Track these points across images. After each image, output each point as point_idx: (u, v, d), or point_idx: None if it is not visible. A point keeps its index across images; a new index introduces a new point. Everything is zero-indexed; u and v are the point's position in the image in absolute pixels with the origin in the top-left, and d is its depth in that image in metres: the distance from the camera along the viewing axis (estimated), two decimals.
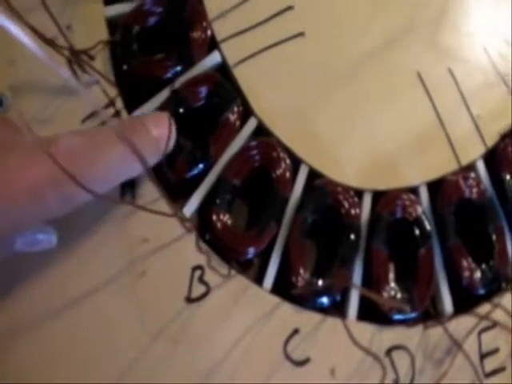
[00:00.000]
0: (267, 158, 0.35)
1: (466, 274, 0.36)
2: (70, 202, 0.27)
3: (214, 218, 0.34)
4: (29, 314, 0.32)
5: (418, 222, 0.37)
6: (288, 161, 0.35)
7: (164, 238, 0.34)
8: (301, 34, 0.38)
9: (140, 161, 0.25)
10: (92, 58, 0.36)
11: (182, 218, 0.33)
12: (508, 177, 0.39)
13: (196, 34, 0.36)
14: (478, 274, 0.36)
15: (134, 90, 0.35)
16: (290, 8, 0.39)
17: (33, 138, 0.27)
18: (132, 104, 0.35)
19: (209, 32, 0.37)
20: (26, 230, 0.28)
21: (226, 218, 0.34)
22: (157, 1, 0.36)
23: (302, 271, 0.34)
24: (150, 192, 0.34)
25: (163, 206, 0.34)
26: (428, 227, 0.37)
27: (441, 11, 0.40)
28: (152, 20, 0.36)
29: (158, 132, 0.30)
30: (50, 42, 0.30)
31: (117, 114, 0.34)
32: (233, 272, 0.34)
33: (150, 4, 0.36)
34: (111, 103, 0.34)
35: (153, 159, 0.31)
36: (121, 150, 0.27)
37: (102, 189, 0.28)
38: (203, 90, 0.35)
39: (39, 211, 0.26)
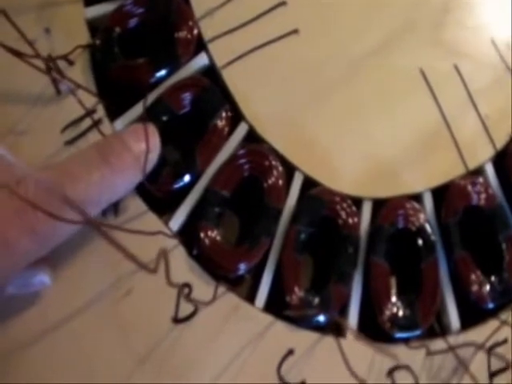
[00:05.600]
0: (258, 167, 0.33)
1: (475, 287, 0.34)
2: (47, 240, 0.26)
3: (202, 234, 0.32)
4: (8, 339, 0.30)
5: (421, 232, 0.34)
6: (281, 169, 0.33)
7: (149, 254, 0.31)
8: (294, 32, 0.36)
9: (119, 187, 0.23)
10: (72, 63, 0.34)
11: (166, 235, 0.31)
12: None
13: (182, 35, 0.34)
14: (486, 288, 0.34)
15: (116, 96, 0.33)
16: (282, 4, 0.36)
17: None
18: (115, 111, 0.33)
19: (195, 32, 0.35)
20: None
21: (215, 234, 0.32)
22: (138, 1, 0.34)
23: (296, 289, 0.32)
24: (134, 206, 0.32)
25: (148, 220, 0.32)
26: (432, 238, 0.34)
27: (444, 6, 0.38)
28: (133, 21, 0.34)
29: (140, 147, 0.29)
30: (19, 54, 0.28)
31: (96, 123, 0.32)
32: (222, 290, 0.32)
33: (130, 5, 0.34)
34: (88, 114, 0.31)
35: (136, 176, 0.29)
36: (97, 177, 0.25)
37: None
38: (188, 96, 0.33)
39: (14, 260, 0.25)
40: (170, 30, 0.34)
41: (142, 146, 0.29)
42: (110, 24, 0.33)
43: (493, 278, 0.34)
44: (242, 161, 0.33)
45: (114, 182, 0.28)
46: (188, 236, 0.32)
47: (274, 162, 0.33)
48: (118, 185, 0.28)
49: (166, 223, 0.32)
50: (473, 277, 0.34)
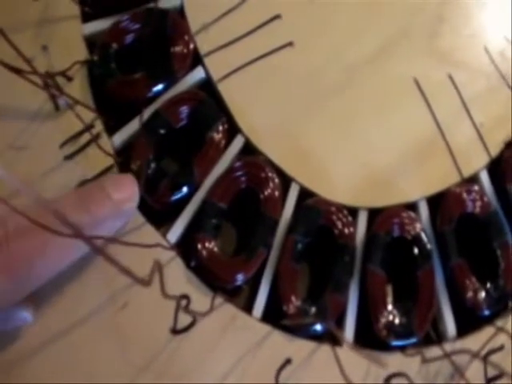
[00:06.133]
0: (254, 179, 0.33)
1: (470, 294, 0.34)
2: (23, 280, 0.26)
3: (200, 246, 0.32)
4: (9, 351, 0.30)
5: (417, 240, 0.34)
6: (277, 180, 0.34)
7: (148, 266, 0.32)
8: (289, 44, 0.36)
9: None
10: (70, 79, 0.34)
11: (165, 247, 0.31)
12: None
13: (178, 49, 0.35)
14: (482, 294, 0.34)
15: (114, 111, 0.34)
16: (277, 17, 0.37)
17: None
18: (113, 126, 0.34)
19: (191, 46, 0.35)
20: None
21: (212, 245, 0.32)
22: (135, 16, 0.35)
23: (293, 299, 0.32)
24: (132, 218, 0.32)
25: (146, 232, 0.33)
26: (428, 246, 0.35)
27: (438, 15, 0.38)
28: (130, 37, 0.34)
29: (120, 195, 0.29)
30: (17, 71, 0.29)
31: (95, 138, 0.33)
32: (220, 300, 0.32)
33: (127, 20, 0.34)
34: (87, 129, 0.32)
35: (115, 224, 0.30)
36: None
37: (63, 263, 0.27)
38: (185, 110, 0.33)
39: None
40: (166, 44, 0.35)
41: (121, 195, 0.29)
42: (107, 40, 0.34)
43: (488, 285, 0.35)
44: (239, 173, 0.33)
45: (92, 230, 0.27)
46: (186, 248, 0.33)
47: (270, 174, 0.33)
48: (97, 232, 0.28)
49: (164, 235, 0.33)
50: (468, 284, 0.34)
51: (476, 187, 0.36)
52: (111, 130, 0.34)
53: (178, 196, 0.33)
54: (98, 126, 0.33)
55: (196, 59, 0.35)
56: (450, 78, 0.38)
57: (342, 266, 0.33)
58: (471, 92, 0.38)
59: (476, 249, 0.35)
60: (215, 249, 0.32)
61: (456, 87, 0.38)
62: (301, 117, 0.36)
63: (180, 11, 0.36)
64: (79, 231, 0.21)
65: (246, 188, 0.33)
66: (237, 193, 0.33)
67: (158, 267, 0.26)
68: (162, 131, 0.33)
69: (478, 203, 0.36)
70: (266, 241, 0.33)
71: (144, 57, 0.35)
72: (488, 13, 0.39)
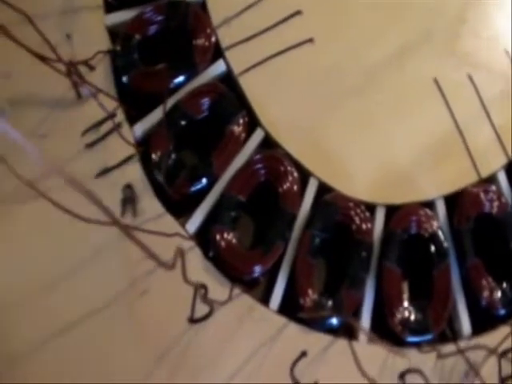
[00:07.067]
0: (273, 173, 0.33)
1: (486, 293, 0.34)
2: None
3: (218, 237, 0.32)
4: (26, 338, 0.31)
5: (433, 238, 0.35)
6: (296, 174, 0.34)
7: (166, 254, 0.32)
8: (310, 41, 0.37)
9: None
10: (92, 68, 0.34)
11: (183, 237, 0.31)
12: None
13: (200, 42, 0.35)
14: (498, 294, 0.34)
15: (135, 101, 0.34)
16: (298, 13, 0.37)
17: None
18: (135, 116, 0.34)
19: (213, 39, 0.35)
20: None
21: (231, 237, 0.32)
22: (157, 8, 0.35)
23: (310, 292, 0.32)
24: (152, 207, 0.33)
25: (166, 221, 0.33)
26: (445, 244, 0.35)
27: (458, 17, 0.38)
28: (153, 28, 0.35)
29: None
30: (42, 58, 0.29)
31: (117, 126, 0.33)
32: (237, 291, 0.32)
33: (150, 12, 0.34)
34: (109, 117, 0.32)
35: None
36: None
37: None
38: (206, 102, 0.34)
39: None
40: (188, 37, 0.35)
41: None
42: (129, 31, 0.34)
43: (504, 285, 0.35)
44: (258, 166, 0.33)
45: None
46: (204, 238, 0.33)
47: (289, 168, 0.34)
48: None
49: (183, 225, 0.33)
50: (484, 283, 0.34)
51: (493, 187, 0.36)
52: (133, 119, 0.34)
53: (196, 187, 0.33)
54: (120, 116, 0.34)
55: (217, 52, 0.36)
56: (470, 78, 0.38)
57: (358, 261, 0.33)
58: (490, 94, 0.38)
59: (493, 248, 0.35)
60: (233, 240, 0.32)
61: (476, 88, 0.38)
62: (320, 113, 0.36)
63: (202, 4, 0.36)
64: (115, 219, 0.22)
65: (265, 181, 0.34)
66: (256, 186, 0.33)
67: (181, 253, 0.26)
68: (183, 123, 0.33)
69: (496, 203, 0.36)
70: (283, 235, 0.33)
71: (166, 48, 0.35)
72: (509, 16, 0.39)
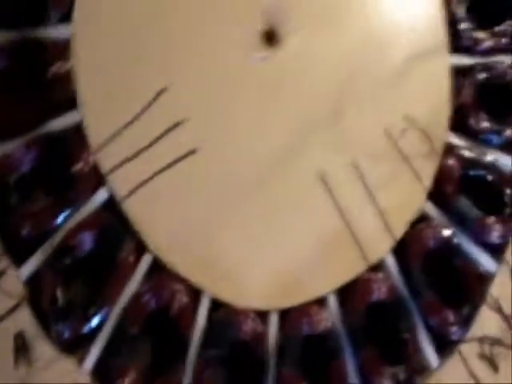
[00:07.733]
0: (161, 300, 0.34)
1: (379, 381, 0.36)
2: None
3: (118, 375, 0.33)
4: None
5: (326, 335, 0.36)
6: (185, 296, 0.35)
7: None
8: (192, 152, 0.37)
9: None
10: None
11: None
12: (416, 267, 0.38)
13: (79, 170, 0.35)
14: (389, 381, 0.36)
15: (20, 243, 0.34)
16: (177, 124, 0.37)
17: None
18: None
19: (93, 165, 0.35)
20: None
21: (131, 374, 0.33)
22: (29, 144, 0.34)
23: None
24: (46, 351, 0.33)
25: (62, 363, 0.33)
26: (338, 339, 0.36)
27: (335, 103, 0.38)
28: (27, 166, 0.34)
29: None
30: None
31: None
32: None
33: (21, 151, 0.34)
34: None
35: None
36: None
37: None
38: (87, 237, 0.34)
39: None
40: (67, 165, 0.35)
41: None
42: (2, 172, 0.34)
43: (396, 368, 0.37)
44: (147, 297, 0.34)
45: None
46: (103, 373, 0.34)
47: (177, 292, 0.34)
48: None
49: (80, 363, 0.34)
50: (378, 371, 0.36)
51: (380, 274, 0.38)
52: (21, 260, 0.34)
53: (90, 326, 0.33)
54: (3, 262, 0.34)
55: (100, 177, 0.35)
56: (354, 165, 0.39)
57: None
58: (375, 177, 0.39)
59: (387, 333, 0.37)
60: (134, 376, 0.33)
61: (361, 175, 0.39)
62: (210, 224, 0.36)
63: (77, 129, 0.36)
64: None
65: (158, 308, 0.34)
66: (148, 315, 0.34)
67: None
68: (68, 261, 0.34)
69: (383, 289, 0.37)
70: (179, 359, 0.34)
71: (45, 180, 0.35)
72: (385, 90, 0.40)
